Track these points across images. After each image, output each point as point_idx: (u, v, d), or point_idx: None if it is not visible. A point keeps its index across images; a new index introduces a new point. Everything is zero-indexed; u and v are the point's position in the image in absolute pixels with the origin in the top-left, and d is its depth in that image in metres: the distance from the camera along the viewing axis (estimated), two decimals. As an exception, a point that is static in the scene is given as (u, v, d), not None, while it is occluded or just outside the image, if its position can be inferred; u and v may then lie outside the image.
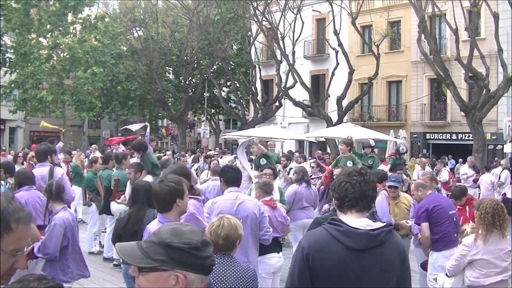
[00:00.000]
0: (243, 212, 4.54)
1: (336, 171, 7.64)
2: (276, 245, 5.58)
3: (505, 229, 4.38)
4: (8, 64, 30.74)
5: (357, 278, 2.31)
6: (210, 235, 2.99)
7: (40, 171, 6.02)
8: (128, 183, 7.28)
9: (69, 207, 5.43)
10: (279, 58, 27.01)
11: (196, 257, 1.60)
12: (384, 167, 10.46)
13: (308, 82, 28.24)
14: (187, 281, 1.59)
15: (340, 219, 2.41)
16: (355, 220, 2.37)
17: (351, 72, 23.99)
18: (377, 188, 6.01)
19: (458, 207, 6.59)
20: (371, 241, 2.31)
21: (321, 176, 9.08)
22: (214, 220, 3.17)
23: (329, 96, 26.08)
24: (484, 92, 18.93)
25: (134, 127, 15.72)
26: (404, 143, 14.56)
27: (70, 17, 30.99)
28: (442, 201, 6.27)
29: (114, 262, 7.98)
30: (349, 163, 8.48)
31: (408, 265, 2.48)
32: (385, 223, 2.44)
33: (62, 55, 30.40)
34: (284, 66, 27.14)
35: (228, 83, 36.06)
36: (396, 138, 19.98)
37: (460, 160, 20.21)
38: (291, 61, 25.27)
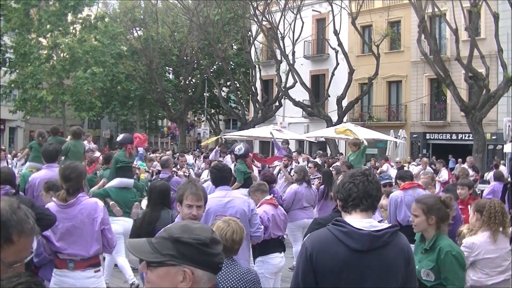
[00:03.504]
0: (232, 209, 4.42)
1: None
2: (279, 245, 5.59)
3: (509, 227, 4.40)
4: (8, 64, 30.69)
5: (360, 279, 2.29)
6: (226, 242, 2.94)
7: (52, 172, 5.72)
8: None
9: None
10: (279, 58, 27.01)
11: (204, 253, 1.61)
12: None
13: (308, 82, 28.23)
14: (194, 277, 1.59)
15: (344, 219, 2.39)
16: (360, 221, 2.35)
17: (351, 72, 23.99)
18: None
19: (460, 206, 6.58)
20: (375, 242, 2.29)
21: (320, 177, 9.06)
22: (223, 226, 3.07)
23: (329, 96, 26.08)
24: (484, 92, 18.92)
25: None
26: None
27: (70, 17, 30.89)
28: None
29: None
30: None
31: (413, 266, 2.46)
32: (390, 224, 2.43)
33: (62, 55, 30.33)
34: (284, 66, 27.13)
35: (228, 83, 36.03)
36: (396, 138, 20.02)
37: (460, 160, 20.19)
38: (291, 61, 25.27)
